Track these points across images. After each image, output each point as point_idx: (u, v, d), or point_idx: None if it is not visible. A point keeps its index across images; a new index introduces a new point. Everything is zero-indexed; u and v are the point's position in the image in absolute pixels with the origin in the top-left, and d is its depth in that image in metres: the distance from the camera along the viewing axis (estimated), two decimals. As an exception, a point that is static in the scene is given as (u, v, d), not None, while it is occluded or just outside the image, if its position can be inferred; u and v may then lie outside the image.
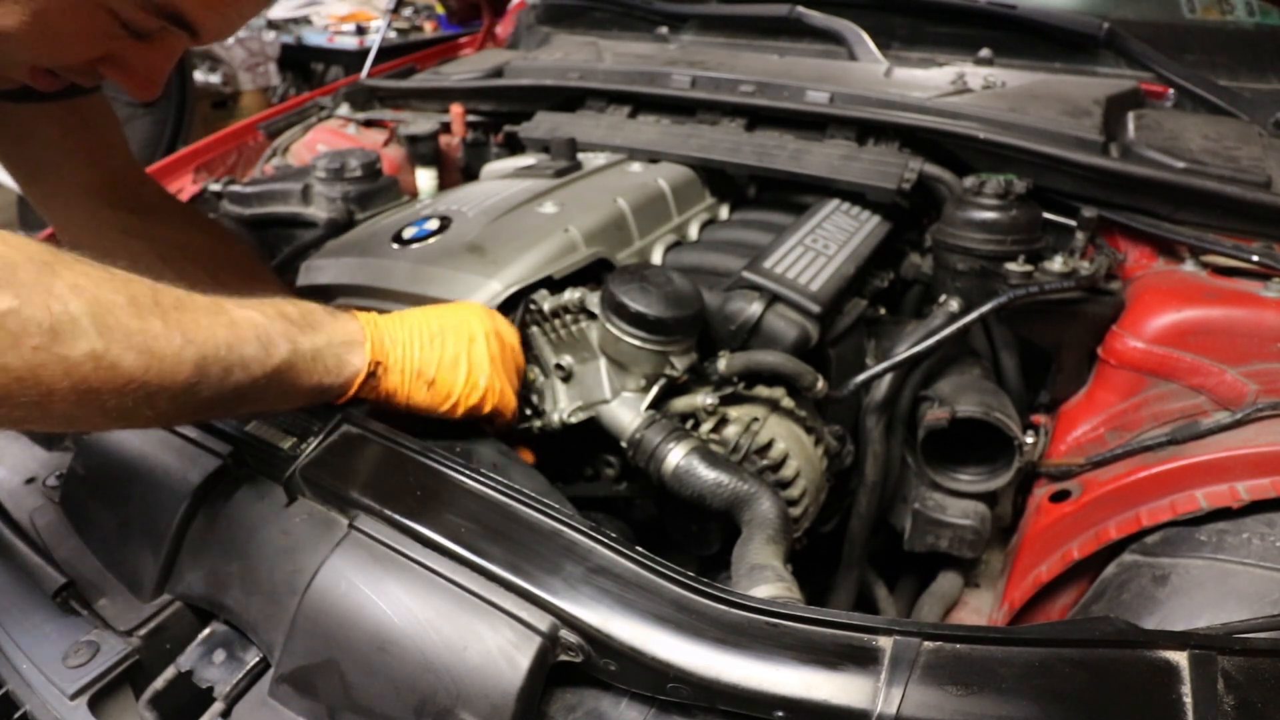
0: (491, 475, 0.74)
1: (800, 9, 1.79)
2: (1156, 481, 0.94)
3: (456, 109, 1.78)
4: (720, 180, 1.45)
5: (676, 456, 0.91)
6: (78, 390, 0.55)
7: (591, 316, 0.99)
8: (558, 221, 1.14)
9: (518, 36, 2.23)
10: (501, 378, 0.87)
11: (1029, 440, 1.10)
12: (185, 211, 1.27)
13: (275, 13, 5.05)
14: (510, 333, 0.92)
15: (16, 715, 0.72)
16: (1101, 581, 0.92)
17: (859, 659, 0.58)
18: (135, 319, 0.58)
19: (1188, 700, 0.53)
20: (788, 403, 1.05)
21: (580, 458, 1.12)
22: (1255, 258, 1.10)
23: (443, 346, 0.83)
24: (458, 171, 1.81)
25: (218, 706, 0.70)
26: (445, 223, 1.14)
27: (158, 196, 1.23)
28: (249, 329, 0.66)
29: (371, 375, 0.79)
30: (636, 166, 1.41)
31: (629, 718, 0.64)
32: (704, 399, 0.99)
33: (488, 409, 0.86)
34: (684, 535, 1.07)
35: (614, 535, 0.68)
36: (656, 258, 1.25)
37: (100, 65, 0.75)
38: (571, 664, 0.63)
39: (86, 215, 1.13)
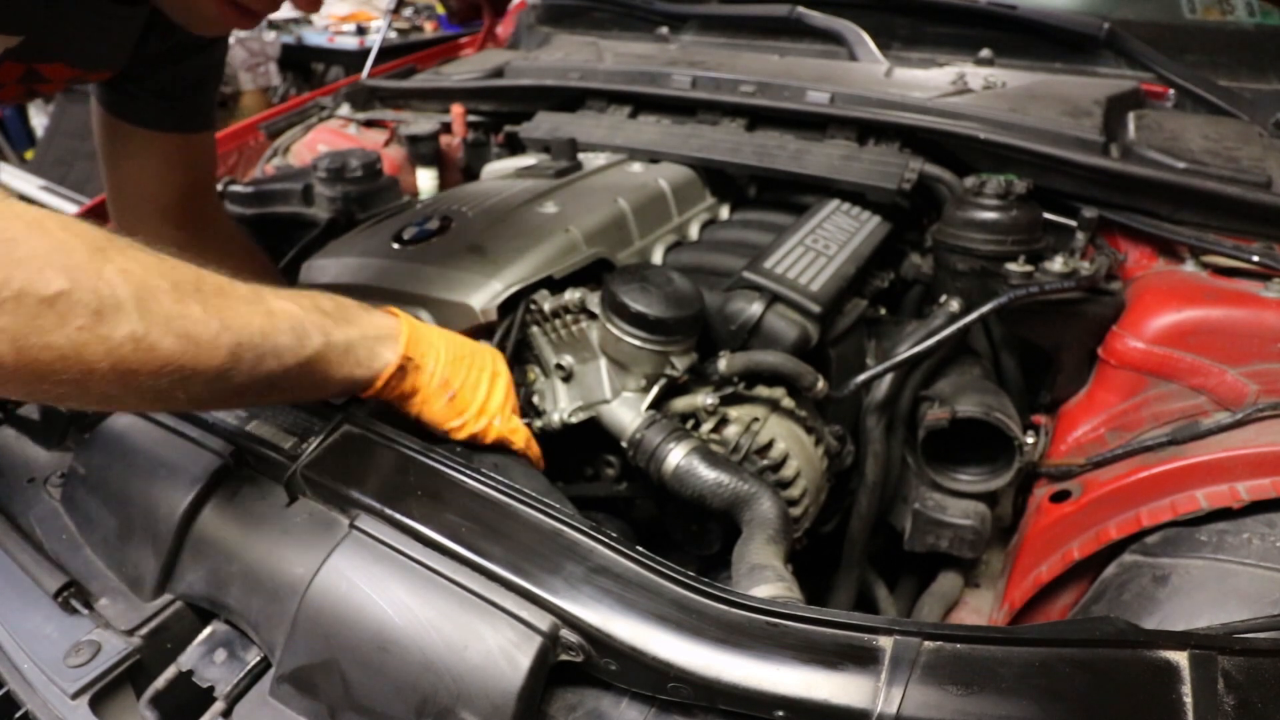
0: (492, 475, 0.74)
1: (800, 9, 1.79)
2: (1157, 482, 0.94)
3: (457, 109, 1.78)
4: (720, 180, 1.45)
5: (677, 456, 0.91)
6: (117, 370, 0.58)
7: (592, 316, 0.99)
8: (558, 222, 1.14)
9: (518, 36, 2.23)
10: (509, 416, 0.90)
11: (1029, 440, 1.09)
12: (238, 240, 1.40)
13: (275, 13, 5.06)
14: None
15: (17, 715, 0.72)
16: (1101, 582, 0.92)
17: (859, 659, 0.58)
18: (176, 304, 0.60)
19: (1188, 700, 0.53)
20: (788, 403, 1.05)
21: (580, 458, 1.12)
22: (1255, 258, 1.10)
23: (469, 368, 0.86)
24: (458, 171, 1.81)
25: (218, 706, 0.70)
26: (446, 223, 1.14)
27: (219, 225, 1.36)
28: (285, 319, 0.69)
29: (400, 370, 0.80)
30: (637, 166, 1.41)
31: (629, 717, 0.64)
32: (704, 399, 0.99)
33: (490, 439, 0.88)
34: (684, 535, 1.07)
35: (614, 535, 0.68)
36: (657, 258, 1.25)
37: None
38: (572, 663, 0.63)
39: (151, 231, 1.22)
